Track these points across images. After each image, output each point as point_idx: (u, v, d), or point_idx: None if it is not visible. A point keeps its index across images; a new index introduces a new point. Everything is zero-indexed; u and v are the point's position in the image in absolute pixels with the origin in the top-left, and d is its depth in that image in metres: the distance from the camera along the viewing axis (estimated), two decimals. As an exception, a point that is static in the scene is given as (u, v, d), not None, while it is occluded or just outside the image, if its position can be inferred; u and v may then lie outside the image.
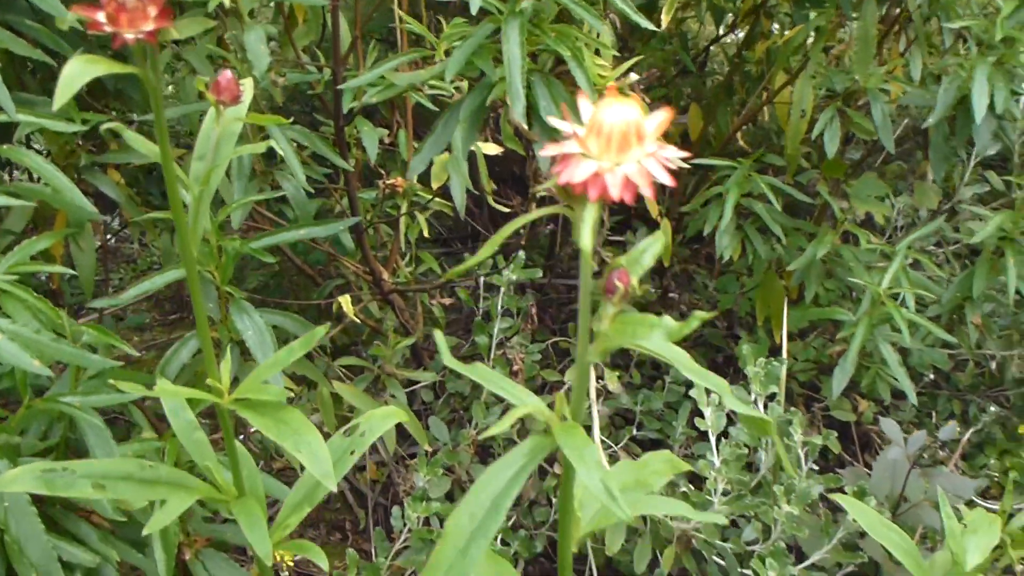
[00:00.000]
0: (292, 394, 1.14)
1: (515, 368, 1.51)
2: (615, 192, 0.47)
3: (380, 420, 0.66)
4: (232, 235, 1.02)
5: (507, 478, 0.57)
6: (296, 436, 0.61)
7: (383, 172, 1.38)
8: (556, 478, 1.76)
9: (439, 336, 0.57)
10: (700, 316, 0.54)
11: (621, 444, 1.82)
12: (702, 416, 1.39)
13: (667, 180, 0.48)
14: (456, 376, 1.92)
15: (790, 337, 1.98)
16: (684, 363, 0.57)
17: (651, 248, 0.58)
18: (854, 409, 1.89)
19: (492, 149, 1.28)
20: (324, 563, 0.70)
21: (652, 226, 1.94)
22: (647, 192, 0.48)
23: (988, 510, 1.25)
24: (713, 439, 1.31)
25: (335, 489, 0.62)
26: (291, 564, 1.56)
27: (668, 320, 0.53)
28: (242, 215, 1.04)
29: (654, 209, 1.85)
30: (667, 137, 2.13)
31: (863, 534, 1.57)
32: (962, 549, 1.14)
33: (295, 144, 1.12)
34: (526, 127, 0.91)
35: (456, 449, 1.79)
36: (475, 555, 0.53)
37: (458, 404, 1.89)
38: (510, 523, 1.80)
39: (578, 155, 0.48)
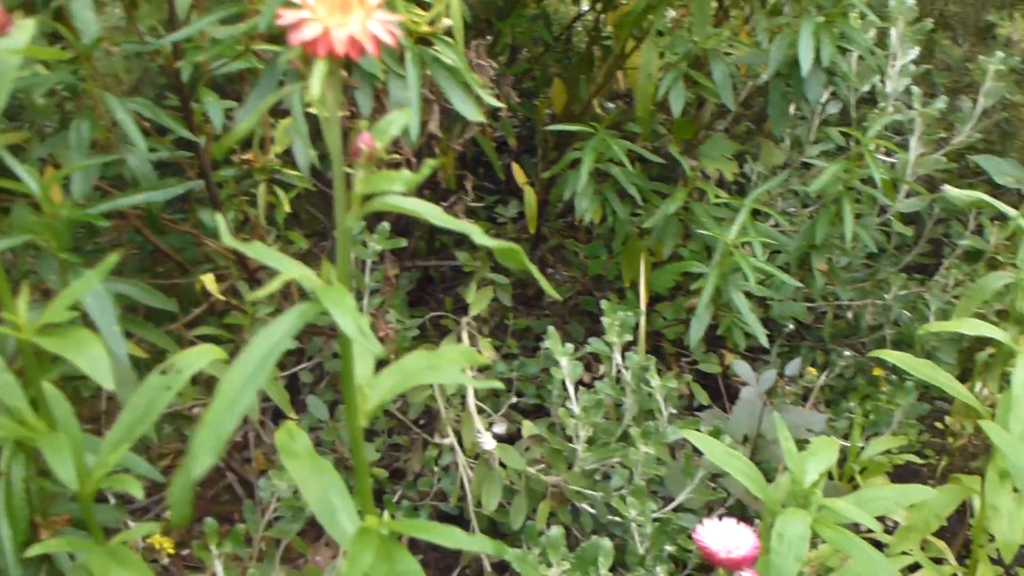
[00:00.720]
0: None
1: (381, 335, 1.54)
2: (340, 48, 0.52)
3: (195, 357, 0.67)
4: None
5: (276, 338, 0.59)
6: (78, 346, 0.63)
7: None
8: (437, 448, 1.80)
9: (218, 218, 0.59)
10: (431, 164, 0.59)
11: (501, 411, 1.86)
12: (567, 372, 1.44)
13: (388, 39, 0.52)
14: (335, 356, 1.93)
15: (660, 298, 2.06)
16: (431, 213, 0.61)
17: (397, 120, 0.62)
18: (720, 362, 1.97)
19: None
20: (139, 492, 0.72)
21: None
22: (371, 48, 0.52)
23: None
24: (571, 387, 1.36)
25: (111, 387, 0.63)
26: (171, 553, 1.55)
27: (407, 173, 0.57)
28: (83, 184, 1.04)
29: (520, 177, 1.90)
30: (537, 112, 2.17)
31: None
32: (801, 470, 1.21)
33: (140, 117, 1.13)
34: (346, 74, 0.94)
35: (338, 426, 1.81)
36: (244, 404, 0.56)
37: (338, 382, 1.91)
38: (396, 498, 1.83)
39: (309, 19, 0.52)
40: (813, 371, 1.91)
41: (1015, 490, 1.29)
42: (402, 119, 0.61)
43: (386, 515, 0.76)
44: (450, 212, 1.54)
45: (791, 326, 2.12)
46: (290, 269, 0.60)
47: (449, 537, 0.71)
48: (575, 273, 2.27)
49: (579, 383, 1.41)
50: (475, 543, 0.88)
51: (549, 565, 1.18)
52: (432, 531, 0.72)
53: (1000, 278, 1.62)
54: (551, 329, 1.39)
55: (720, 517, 0.86)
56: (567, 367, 1.36)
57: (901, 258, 2.23)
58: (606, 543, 1.18)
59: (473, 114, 1.17)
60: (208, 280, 1.44)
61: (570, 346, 1.39)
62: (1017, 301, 1.51)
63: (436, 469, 1.79)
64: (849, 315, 2.16)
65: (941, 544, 1.71)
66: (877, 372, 2.07)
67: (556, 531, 1.19)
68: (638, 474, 1.37)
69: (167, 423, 1.68)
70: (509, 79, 1.85)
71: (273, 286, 0.58)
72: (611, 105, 2.38)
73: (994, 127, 2.00)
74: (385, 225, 1.58)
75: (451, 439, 1.77)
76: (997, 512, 1.35)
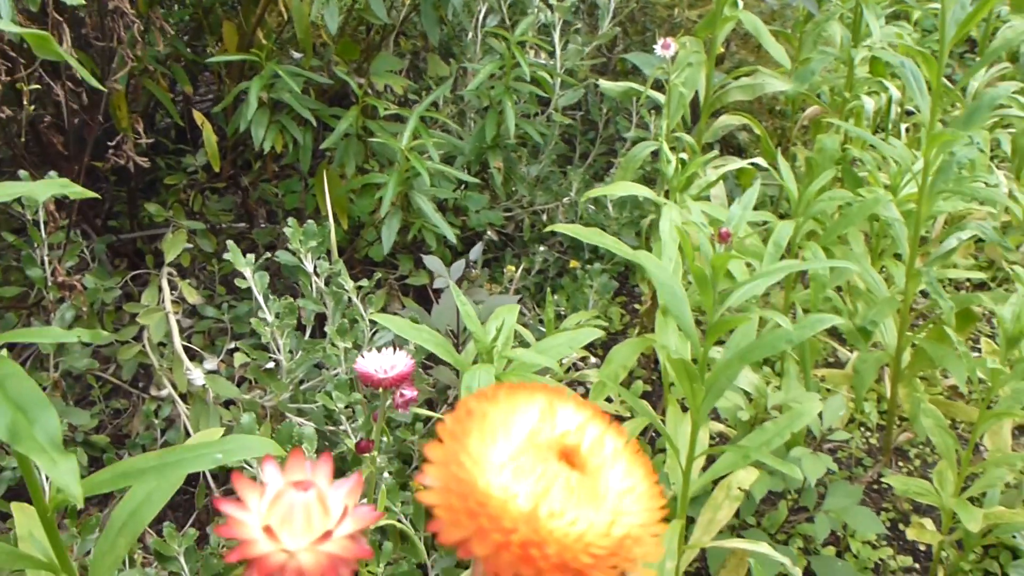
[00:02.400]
0: None
1: (60, 280, 1.49)
2: None
3: None
4: None
5: None
6: None
7: None
8: (156, 401, 1.77)
9: None
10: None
11: (222, 355, 1.86)
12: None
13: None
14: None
15: (362, 224, 2.11)
16: None
17: None
18: (430, 275, 2.07)
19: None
20: None
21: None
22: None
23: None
24: (260, 297, 1.39)
25: None
26: None
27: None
28: None
29: (199, 117, 1.89)
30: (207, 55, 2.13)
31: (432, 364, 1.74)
32: (482, 329, 1.31)
33: None
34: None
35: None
36: None
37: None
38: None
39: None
40: (511, 268, 2.05)
41: (679, 329, 1.45)
42: None
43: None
44: (118, 152, 1.52)
45: (492, 235, 2.26)
46: None
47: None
48: (278, 209, 2.27)
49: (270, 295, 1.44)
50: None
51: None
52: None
53: (647, 146, 1.81)
54: (231, 243, 1.41)
55: (379, 349, 0.92)
56: (252, 278, 1.38)
57: (583, 163, 2.41)
58: (308, 429, 1.23)
59: None
60: None
61: (251, 256, 1.42)
62: (661, 165, 1.69)
63: (157, 422, 1.76)
64: (544, 218, 2.32)
65: (644, 404, 1.90)
66: (573, 264, 2.25)
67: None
68: (342, 370, 1.43)
69: None
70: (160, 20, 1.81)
71: None
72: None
73: (628, 20, 2.20)
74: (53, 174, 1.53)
75: (168, 389, 1.76)
76: (667, 348, 1.52)
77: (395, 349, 0.93)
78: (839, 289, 1.98)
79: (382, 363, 0.90)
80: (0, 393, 0.54)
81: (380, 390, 0.90)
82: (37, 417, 0.54)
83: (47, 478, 0.78)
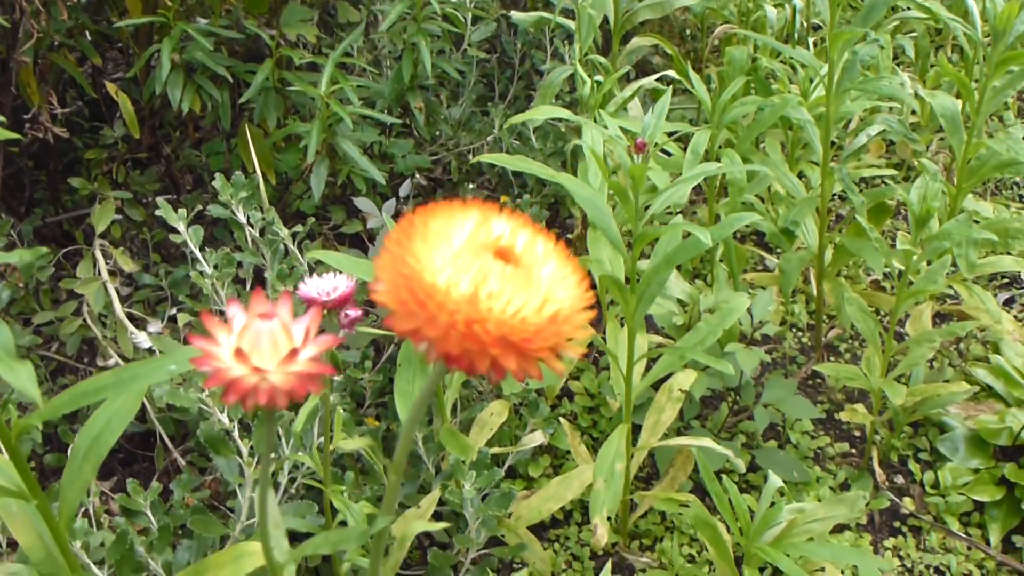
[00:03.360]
0: None
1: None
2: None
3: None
4: None
5: None
6: None
7: None
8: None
9: None
10: None
11: (167, 319, 1.87)
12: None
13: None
14: None
15: (290, 180, 2.12)
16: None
17: None
18: (363, 222, 2.09)
19: None
20: None
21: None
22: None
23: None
24: (196, 250, 1.41)
25: None
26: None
27: None
28: None
29: (112, 87, 1.87)
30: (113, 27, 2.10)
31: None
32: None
33: None
34: None
35: None
36: None
37: None
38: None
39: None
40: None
41: (613, 245, 1.49)
42: None
43: None
44: (35, 126, 1.51)
45: (420, 179, 2.28)
46: None
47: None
48: (203, 171, 2.27)
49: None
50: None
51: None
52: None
53: (563, 71, 1.85)
54: (161, 200, 1.42)
55: (320, 275, 0.96)
56: (187, 232, 1.40)
57: (503, 101, 2.44)
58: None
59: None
60: None
61: (183, 211, 1.43)
62: (578, 87, 1.73)
63: (107, 392, 1.77)
64: (470, 158, 2.35)
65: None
66: (504, 200, 2.28)
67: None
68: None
69: None
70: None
71: None
72: None
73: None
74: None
75: (114, 359, 1.76)
76: (600, 263, 1.57)
77: (335, 274, 0.96)
78: (761, 199, 2.06)
79: (324, 286, 0.94)
80: (-45, 318, 0.56)
81: (324, 312, 0.94)
82: (-11, 330, 0.56)
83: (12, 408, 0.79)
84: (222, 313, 1.50)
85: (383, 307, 0.44)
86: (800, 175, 2.03)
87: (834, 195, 2.34)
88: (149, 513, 1.31)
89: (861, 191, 2.12)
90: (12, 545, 1.46)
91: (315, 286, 0.94)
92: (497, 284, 0.44)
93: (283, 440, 1.30)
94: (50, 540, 0.74)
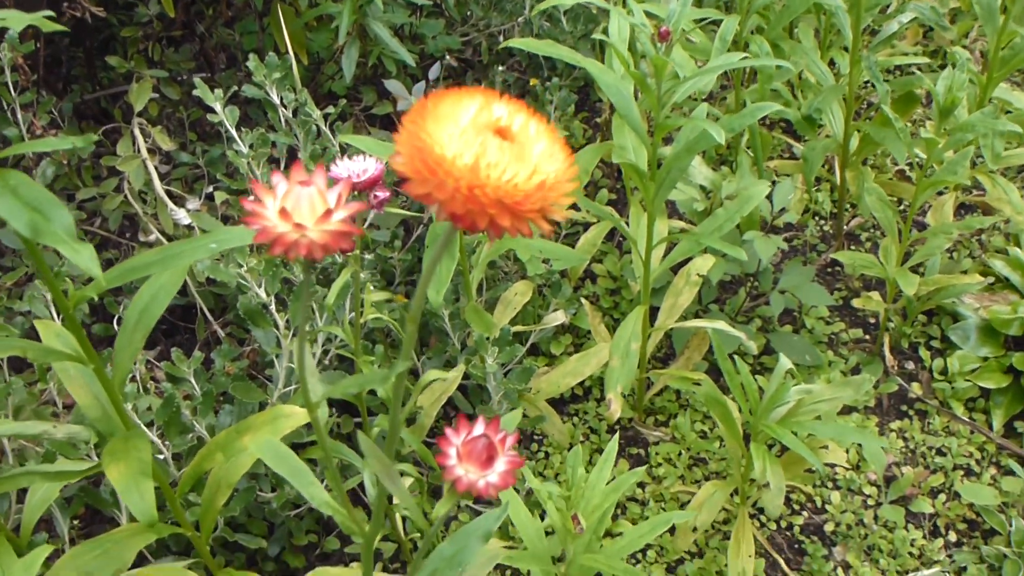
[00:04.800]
0: None
1: (37, 134, 1.55)
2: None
3: None
4: None
5: None
6: None
7: None
8: (147, 247, 1.85)
9: None
10: None
11: (204, 196, 1.93)
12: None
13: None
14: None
15: (321, 60, 2.15)
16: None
17: None
18: (393, 104, 2.12)
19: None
20: None
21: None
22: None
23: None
24: (232, 129, 1.46)
25: None
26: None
27: None
28: None
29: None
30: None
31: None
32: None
33: None
34: None
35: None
36: None
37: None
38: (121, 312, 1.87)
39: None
40: (473, 90, 2.09)
41: (635, 132, 1.51)
42: None
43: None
44: (73, 4, 1.54)
45: (451, 61, 2.29)
46: None
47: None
48: (236, 49, 2.29)
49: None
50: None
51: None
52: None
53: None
54: (198, 80, 1.46)
55: (351, 157, 1.00)
56: (223, 112, 1.44)
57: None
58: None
59: None
60: None
61: (219, 91, 1.47)
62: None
63: (149, 266, 1.85)
64: (501, 39, 2.35)
65: (608, 208, 1.99)
66: (533, 82, 2.29)
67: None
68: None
69: None
70: None
71: None
72: None
73: None
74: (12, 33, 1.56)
75: (155, 234, 1.84)
76: (623, 149, 1.60)
77: (365, 157, 1.01)
78: (791, 84, 2.05)
79: (354, 168, 0.98)
80: (15, 198, 0.62)
81: (355, 194, 0.99)
82: (52, 215, 0.62)
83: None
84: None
85: (401, 175, 0.52)
86: (831, 62, 2.02)
87: (865, 82, 2.32)
88: (192, 380, 1.40)
89: (892, 79, 2.11)
90: (68, 408, 1.56)
91: (346, 168, 0.99)
92: (495, 156, 0.51)
93: (317, 314, 1.37)
94: (105, 400, 0.82)
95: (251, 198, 0.53)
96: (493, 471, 0.64)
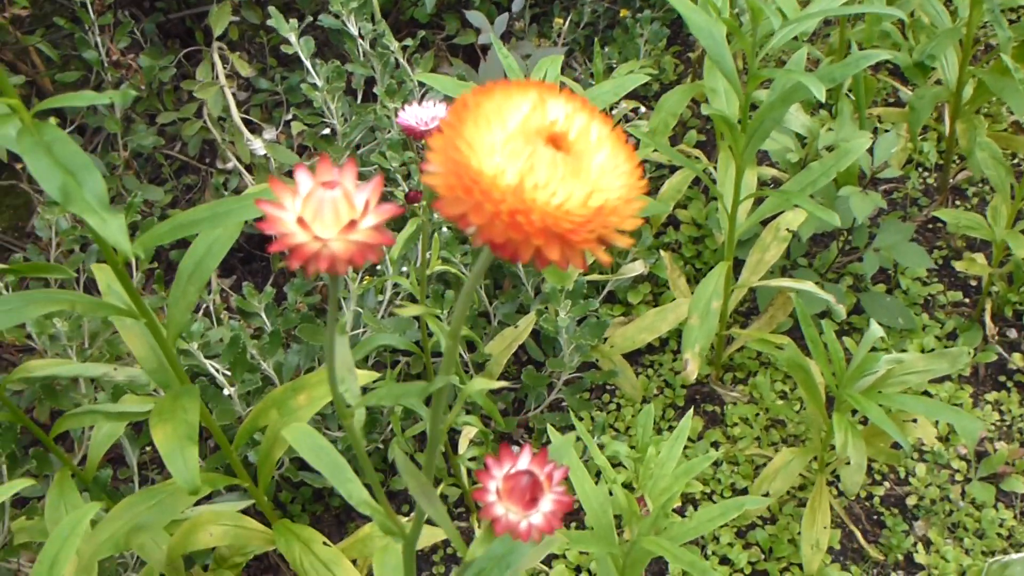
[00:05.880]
0: None
1: (115, 59, 1.53)
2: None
3: None
4: None
5: None
6: None
7: None
8: (224, 175, 1.84)
9: None
10: None
11: (280, 126, 1.90)
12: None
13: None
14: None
15: None
16: None
17: None
18: (477, 33, 2.04)
19: None
20: None
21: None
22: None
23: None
24: (307, 62, 1.41)
25: None
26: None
27: None
28: None
29: None
30: None
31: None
32: (518, 71, 1.32)
33: None
34: None
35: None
36: None
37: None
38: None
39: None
40: (559, 21, 2.01)
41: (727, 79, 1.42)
42: None
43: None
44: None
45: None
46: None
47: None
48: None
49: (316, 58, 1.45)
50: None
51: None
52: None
53: None
54: (273, 9, 1.42)
55: (419, 102, 0.95)
56: (298, 44, 1.40)
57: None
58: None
59: None
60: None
61: (294, 21, 1.43)
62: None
63: (227, 194, 1.84)
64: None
65: (696, 151, 1.90)
66: (624, 13, 2.19)
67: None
68: (395, 132, 1.46)
69: None
70: None
71: None
72: None
73: None
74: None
75: (233, 162, 1.82)
76: (714, 92, 1.51)
77: (435, 103, 0.95)
78: (902, 23, 1.91)
79: (423, 115, 0.93)
80: (49, 157, 0.58)
81: (423, 141, 0.94)
82: (85, 180, 0.58)
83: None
84: (332, 131, 1.51)
85: (432, 190, 0.44)
86: (948, 1, 1.86)
87: (985, 23, 2.15)
88: (263, 315, 1.39)
89: (1016, 23, 1.94)
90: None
91: (414, 114, 0.94)
92: (544, 173, 0.43)
93: (387, 259, 1.34)
94: (160, 354, 0.80)
95: (268, 202, 0.46)
96: (537, 511, 0.57)
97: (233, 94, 1.77)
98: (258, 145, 1.64)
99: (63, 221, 1.41)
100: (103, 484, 1.02)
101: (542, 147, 0.44)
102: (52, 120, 0.66)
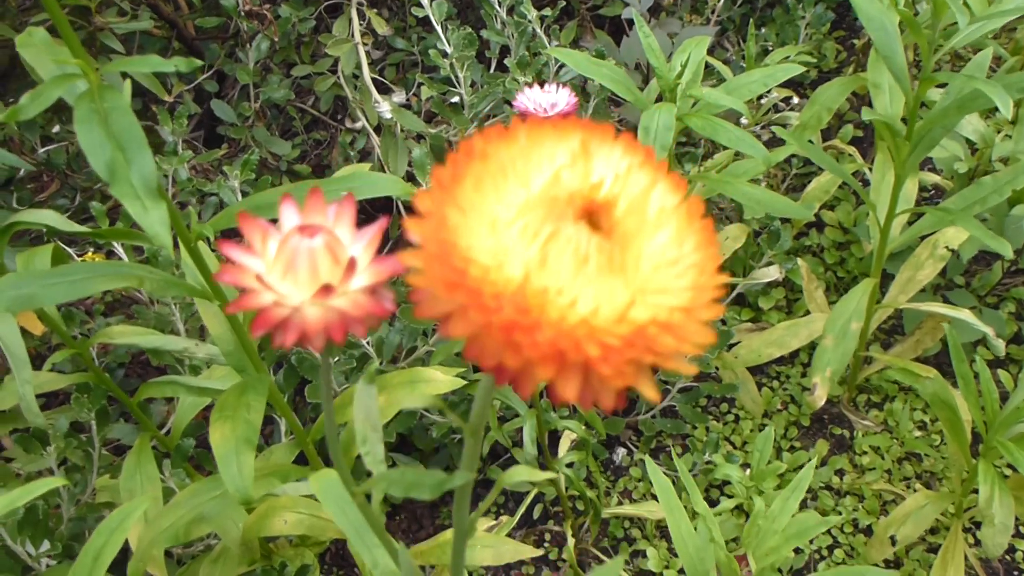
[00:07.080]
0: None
1: (249, 9, 1.50)
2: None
3: None
4: None
5: None
6: None
7: None
8: (351, 134, 1.80)
9: None
10: None
11: (413, 88, 1.85)
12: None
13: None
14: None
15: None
16: None
17: None
18: (624, 4, 1.93)
19: None
20: None
21: None
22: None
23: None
24: (438, 27, 1.34)
25: None
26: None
27: None
28: None
29: None
30: None
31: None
32: (667, 66, 1.22)
33: None
34: None
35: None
36: None
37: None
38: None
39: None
40: (715, -4, 1.87)
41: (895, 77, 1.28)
42: None
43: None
44: None
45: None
46: None
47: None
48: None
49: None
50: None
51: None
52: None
53: None
54: (408, -30, 1.35)
55: (543, 85, 0.87)
56: (430, 7, 1.33)
57: None
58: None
59: None
60: None
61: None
62: None
63: (353, 153, 1.80)
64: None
65: (850, 148, 1.75)
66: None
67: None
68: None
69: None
70: None
71: None
72: None
73: None
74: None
75: (362, 121, 1.78)
76: (878, 89, 1.37)
77: (558, 87, 0.87)
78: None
79: (542, 100, 0.85)
80: (103, 127, 0.52)
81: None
82: (134, 158, 0.52)
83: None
84: (461, 99, 1.44)
85: (412, 284, 0.30)
86: None
87: None
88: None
89: None
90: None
91: (533, 98, 0.85)
92: (565, 269, 0.29)
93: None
94: (234, 336, 0.75)
95: (236, 245, 0.34)
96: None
97: (368, 52, 1.72)
98: (386, 108, 1.59)
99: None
100: (184, 453, 0.99)
101: (569, 225, 0.30)
102: (194, 61, 0.60)
